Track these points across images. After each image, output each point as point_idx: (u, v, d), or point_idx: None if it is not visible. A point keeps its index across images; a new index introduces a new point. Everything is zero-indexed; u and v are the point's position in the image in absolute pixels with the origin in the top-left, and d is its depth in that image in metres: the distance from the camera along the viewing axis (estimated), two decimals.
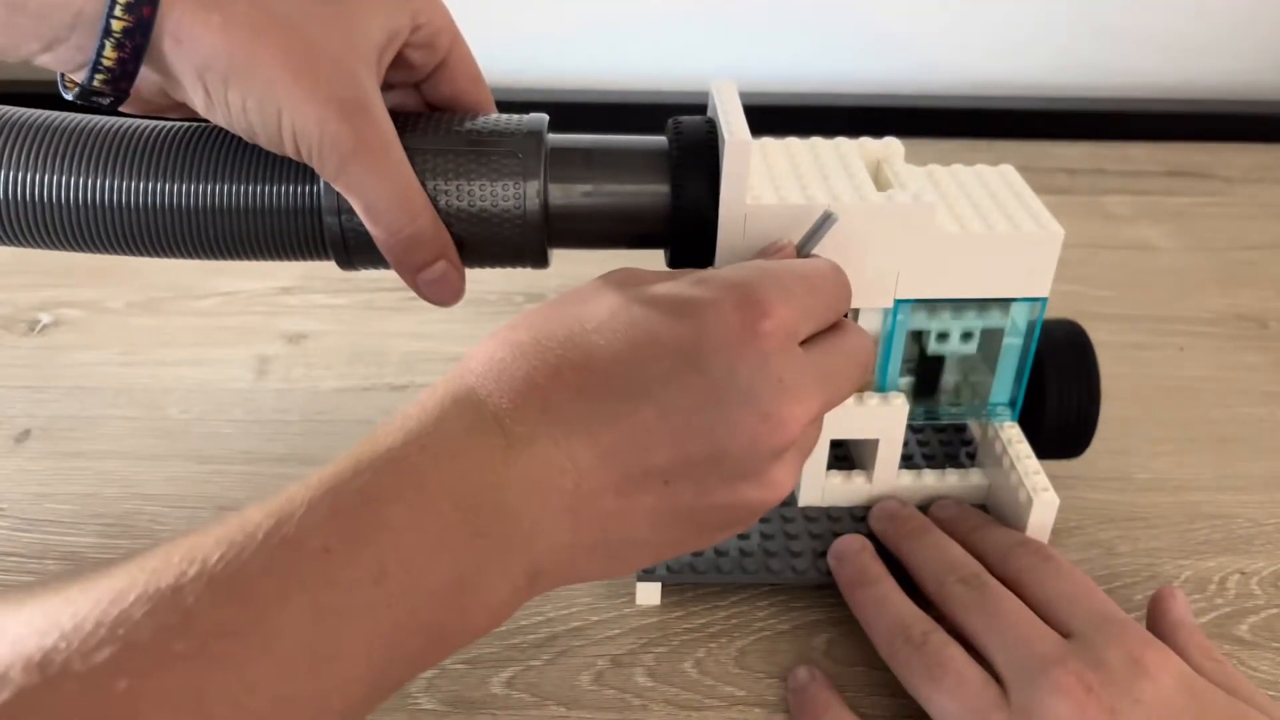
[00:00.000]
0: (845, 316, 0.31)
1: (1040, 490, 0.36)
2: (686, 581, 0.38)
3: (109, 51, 0.28)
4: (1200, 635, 0.33)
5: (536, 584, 0.26)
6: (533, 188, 0.32)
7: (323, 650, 0.21)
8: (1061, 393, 0.38)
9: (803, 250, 0.33)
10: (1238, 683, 0.31)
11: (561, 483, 0.25)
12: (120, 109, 0.31)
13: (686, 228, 0.33)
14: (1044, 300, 0.36)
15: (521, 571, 0.25)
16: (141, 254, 0.33)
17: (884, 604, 0.34)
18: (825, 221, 0.32)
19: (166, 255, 0.33)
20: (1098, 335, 0.40)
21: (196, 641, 0.20)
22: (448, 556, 0.23)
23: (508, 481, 0.25)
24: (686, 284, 0.28)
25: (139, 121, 0.33)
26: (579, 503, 0.26)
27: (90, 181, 0.31)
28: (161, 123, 0.33)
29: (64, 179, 0.31)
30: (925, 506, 0.40)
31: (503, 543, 0.25)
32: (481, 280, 0.35)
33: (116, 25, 0.27)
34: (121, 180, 0.31)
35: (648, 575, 0.37)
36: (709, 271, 0.29)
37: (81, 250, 0.33)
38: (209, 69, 0.28)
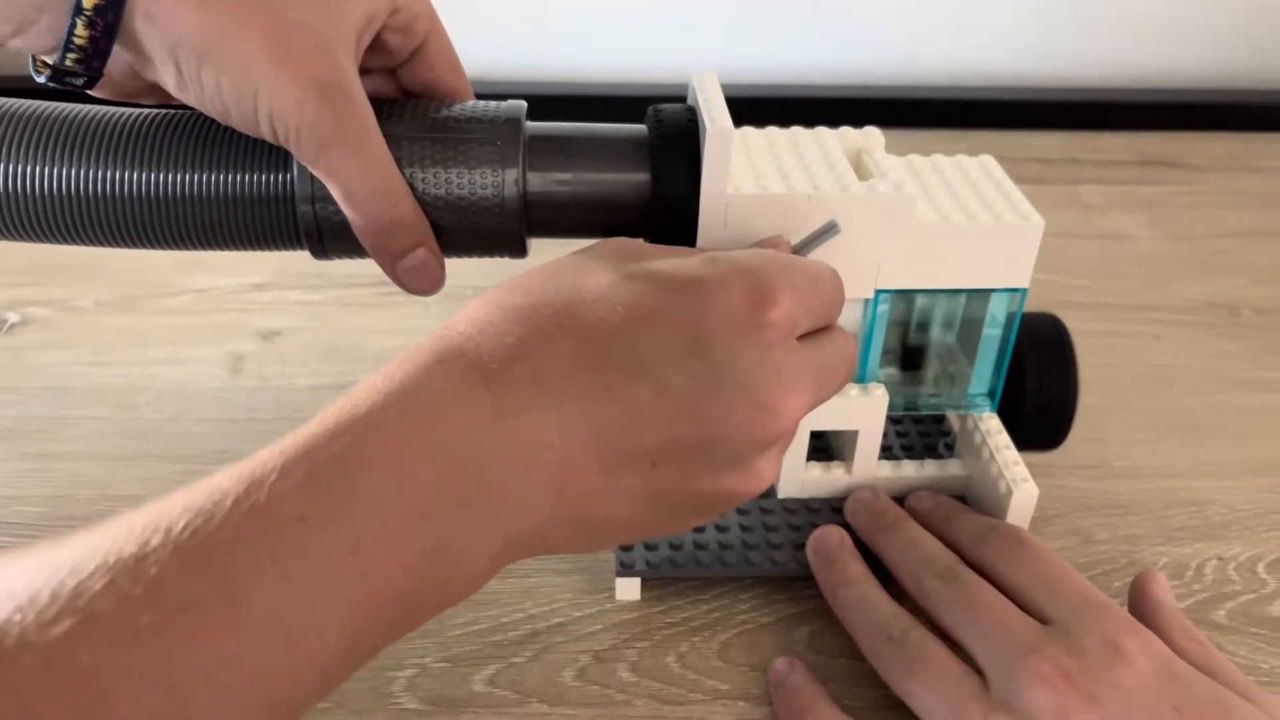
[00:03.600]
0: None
1: (1020, 481, 0.36)
2: (666, 575, 0.37)
3: (80, 29, 0.27)
4: (1181, 617, 0.34)
5: (512, 553, 0.25)
6: (511, 176, 0.32)
7: (296, 622, 0.20)
8: (1040, 385, 0.39)
9: (799, 253, 0.32)
10: (1219, 665, 0.31)
11: (547, 457, 0.25)
12: (92, 92, 0.30)
13: (667, 216, 0.33)
14: (1024, 291, 0.36)
15: (500, 542, 0.25)
16: (111, 244, 0.32)
17: (864, 604, 0.34)
18: (828, 231, 0.32)
19: (137, 245, 0.33)
20: (1073, 324, 0.40)
21: (163, 614, 0.19)
22: (426, 527, 0.23)
23: (492, 452, 0.24)
24: (694, 262, 0.28)
25: (107, 109, 0.32)
26: (563, 479, 0.25)
27: (58, 170, 0.31)
28: (131, 110, 0.32)
29: (30, 168, 0.30)
30: (904, 498, 0.40)
31: (483, 514, 0.24)
32: (456, 275, 0.35)
33: (88, 2, 0.27)
34: (90, 169, 0.31)
35: (627, 570, 0.37)
36: (718, 252, 0.29)
37: (50, 241, 0.32)
38: (182, 46, 0.28)
